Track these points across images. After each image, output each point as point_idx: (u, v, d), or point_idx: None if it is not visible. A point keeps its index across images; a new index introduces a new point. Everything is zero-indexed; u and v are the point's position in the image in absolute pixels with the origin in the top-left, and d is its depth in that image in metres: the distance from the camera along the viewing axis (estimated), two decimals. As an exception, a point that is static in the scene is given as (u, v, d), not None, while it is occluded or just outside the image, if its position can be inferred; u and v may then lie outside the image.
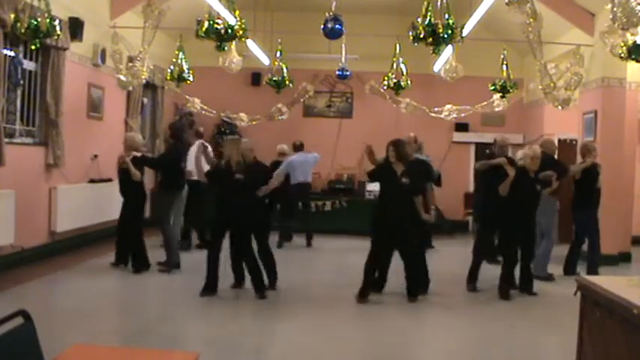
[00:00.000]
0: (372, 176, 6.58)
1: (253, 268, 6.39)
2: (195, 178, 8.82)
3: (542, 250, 7.59)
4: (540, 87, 8.16)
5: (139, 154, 7.52)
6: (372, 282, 6.39)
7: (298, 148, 10.20)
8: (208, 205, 8.04)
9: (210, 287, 6.31)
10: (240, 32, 6.69)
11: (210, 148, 9.34)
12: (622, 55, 6.67)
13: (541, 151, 7.86)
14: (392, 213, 6.27)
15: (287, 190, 9.65)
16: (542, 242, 7.61)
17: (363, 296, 6.27)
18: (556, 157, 8.16)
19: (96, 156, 9.05)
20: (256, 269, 6.39)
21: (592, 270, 7.42)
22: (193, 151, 9.01)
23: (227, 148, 6.61)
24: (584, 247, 7.86)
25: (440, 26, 5.80)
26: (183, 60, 9.18)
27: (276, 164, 10.05)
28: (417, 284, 6.49)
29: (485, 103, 10.48)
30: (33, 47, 6.34)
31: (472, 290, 6.92)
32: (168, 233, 7.57)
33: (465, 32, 6.58)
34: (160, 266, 7.53)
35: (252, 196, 6.33)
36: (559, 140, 10.94)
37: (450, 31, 5.84)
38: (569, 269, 7.71)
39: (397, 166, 6.30)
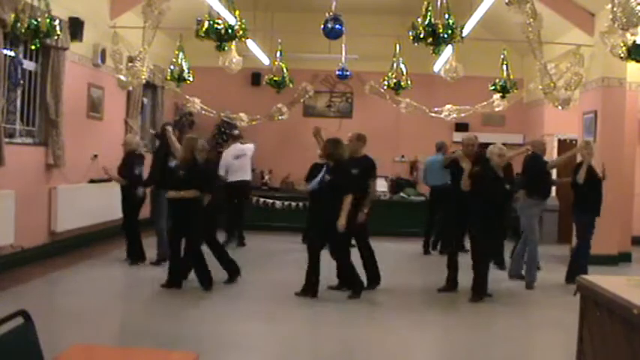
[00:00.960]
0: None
1: (193, 264, 6.62)
2: (232, 179, 9.29)
3: (528, 254, 7.32)
4: (540, 87, 8.15)
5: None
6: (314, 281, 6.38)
7: None
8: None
9: (171, 282, 6.54)
10: (240, 32, 6.69)
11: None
12: (622, 55, 6.66)
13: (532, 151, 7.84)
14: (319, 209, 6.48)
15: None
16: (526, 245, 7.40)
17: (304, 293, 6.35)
18: (546, 157, 8.01)
19: (96, 156, 9.05)
20: (194, 265, 6.62)
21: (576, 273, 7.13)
22: (231, 153, 9.43)
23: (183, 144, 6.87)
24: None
25: (440, 26, 5.80)
26: (183, 60, 9.18)
27: (315, 167, 10.07)
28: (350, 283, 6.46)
29: (485, 103, 10.48)
30: (33, 47, 6.33)
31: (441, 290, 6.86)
32: (158, 230, 7.87)
33: (465, 32, 6.58)
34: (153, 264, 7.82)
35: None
36: (559, 140, 10.96)
37: (450, 31, 5.83)
38: (571, 278, 7.08)
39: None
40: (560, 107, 8.41)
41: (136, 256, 7.81)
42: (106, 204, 8.70)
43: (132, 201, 7.78)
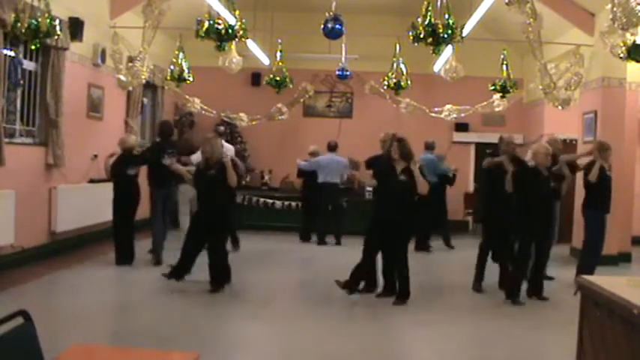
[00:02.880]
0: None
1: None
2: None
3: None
4: (540, 87, 8.16)
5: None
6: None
7: (331, 148, 10.28)
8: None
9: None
10: (240, 32, 6.70)
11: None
12: (622, 55, 6.67)
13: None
14: None
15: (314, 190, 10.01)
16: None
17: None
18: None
19: (96, 156, 9.04)
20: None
21: (582, 272, 7.16)
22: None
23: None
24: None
25: (440, 26, 5.81)
26: (183, 60, 9.18)
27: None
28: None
29: (485, 103, 10.48)
30: (33, 47, 6.34)
31: (478, 290, 6.85)
32: (152, 228, 7.93)
33: (465, 32, 6.58)
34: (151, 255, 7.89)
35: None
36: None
37: (450, 31, 5.84)
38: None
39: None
40: (560, 107, 8.42)
41: (124, 256, 7.70)
42: (106, 204, 8.67)
43: (123, 201, 7.77)
